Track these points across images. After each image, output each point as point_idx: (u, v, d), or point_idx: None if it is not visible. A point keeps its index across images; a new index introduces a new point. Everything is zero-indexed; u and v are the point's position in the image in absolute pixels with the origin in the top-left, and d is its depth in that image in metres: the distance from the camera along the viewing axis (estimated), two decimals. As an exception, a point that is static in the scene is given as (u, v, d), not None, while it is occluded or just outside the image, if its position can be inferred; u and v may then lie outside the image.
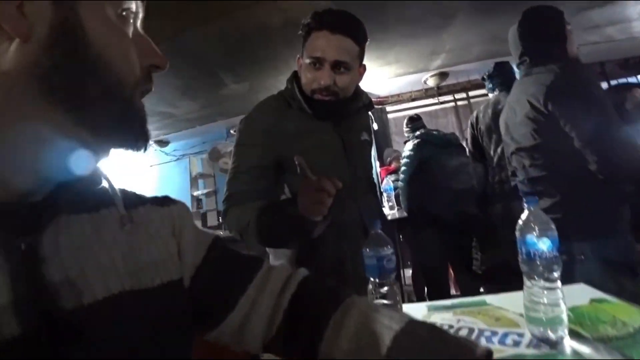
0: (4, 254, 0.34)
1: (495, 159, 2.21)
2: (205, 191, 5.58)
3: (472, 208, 2.42)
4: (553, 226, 0.68)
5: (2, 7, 0.33)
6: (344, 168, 1.09)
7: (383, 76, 3.96)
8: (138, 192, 0.55)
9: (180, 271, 0.50)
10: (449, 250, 2.53)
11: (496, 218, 2.27)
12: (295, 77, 1.12)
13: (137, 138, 0.43)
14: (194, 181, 5.68)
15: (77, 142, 0.39)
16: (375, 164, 4.20)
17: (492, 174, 2.28)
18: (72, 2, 0.36)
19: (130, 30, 0.42)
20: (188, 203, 5.41)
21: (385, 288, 0.83)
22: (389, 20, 2.63)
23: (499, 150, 2.17)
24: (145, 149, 0.44)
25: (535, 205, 0.73)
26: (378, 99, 4.63)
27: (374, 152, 1.36)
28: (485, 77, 2.36)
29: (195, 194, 5.60)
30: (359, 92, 1.16)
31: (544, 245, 0.69)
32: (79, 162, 0.41)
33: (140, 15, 0.44)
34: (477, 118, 2.34)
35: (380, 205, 1.35)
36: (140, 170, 5.95)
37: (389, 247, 0.87)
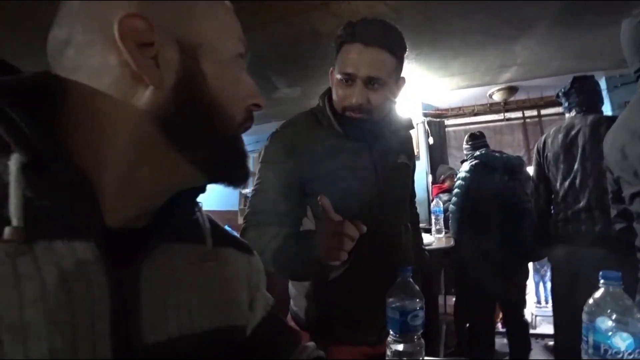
0: (109, 282, 0.36)
1: (561, 193, 1.93)
2: (253, 190, 5.66)
3: (529, 250, 2.15)
4: (640, 317, 0.51)
5: (141, 59, 0.37)
6: (374, 195, 0.99)
7: (444, 88, 3.71)
8: (225, 230, 0.57)
9: (247, 320, 0.54)
10: (499, 290, 2.27)
11: (558, 262, 1.98)
12: (328, 92, 1.04)
13: (239, 174, 0.46)
14: (244, 179, 5.80)
15: (185, 177, 0.43)
16: (428, 179, 3.99)
17: (556, 210, 2.00)
18: (196, 51, 0.39)
19: (243, 73, 0.45)
20: (236, 199, 5.64)
21: (406, 346, 0.72)
22: (455, 28, 2.42)
23: (567, 183, 1.90)
24: (246, 186, 0.48)
25: (618, 286, 0.55)
26: (437, 111, 4.36)
27: (423, 175, 1.22)
28: (560, 94, 2.07)
29: (244, 191, 5.70)
30: (397, 110, 1.09)
31: (622, 342, 0.52)
32: (183, 195, 0.45)
33: (247, 56, 0.46)
34: (544, 143, 2.07)
35: (419, 238, 1.19)
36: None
37: (418, 300, 0.75)
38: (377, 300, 0.85)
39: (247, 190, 5.82)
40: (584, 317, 0.61)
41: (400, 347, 0.71)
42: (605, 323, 0.57)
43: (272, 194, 0.96)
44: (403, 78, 1.02)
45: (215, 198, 6.11)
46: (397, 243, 1.03)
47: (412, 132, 1.19)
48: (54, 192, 0.35)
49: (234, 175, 0.46)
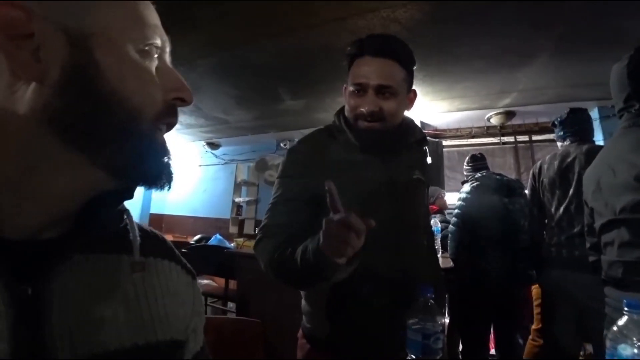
0: (8, 299, 0.32)
1: (556, 218, 1.96)
2: (247, 199, 5.61)
3: (526, 271, 2.17)
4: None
5: (15, 53, 0.33)
6: (387, 209, 0.96)
7: (443, 109, 3.78)
8: (169, 244, 0.54)
9: (186, 337, 0.50)
10: (494, 311, 2.27)
11: (550, 285, 2.00)
12: (342, 110, 1.06)
13: (159, 175, 0.41)
14: (237, 187, 5.75)
15: (92, 180, 0.38)
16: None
17: (549, 234, 2.03)
18: (88, 42, 0.35)
19: (154, 65, 0.41)
20: (229, 207, 5.60)
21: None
22: (462, 53, 2.49)
23: (561, 209, 1.93)
24: (170, 188, 0.42)
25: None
26: (434, 131, 4.43)
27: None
28: (556, 123, 2.13)
29: (237, 200, 5.67)
30: (411, 125, 1.09)
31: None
32: (99, 200, 0.40)
33: (167, 49, 0.44)
34: (540, 169, 2.11)
35: (435, 257, 1.18)
36: (188, 169, 6.19)
37: (439, 322, 0.74)
38: (394, 318, 0.84)
39: (240, 199, 5.78)
40: (608, 343, 0.61)
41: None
42: (628, 350, 0.57)
43: (286, 209, 0.96)
44: (414, 90, 1.04)
45: (206, 206, 6.07)
46: (415, 259, 1.01)
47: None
48: None
49: (152, 176, 0.41)
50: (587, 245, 1.43)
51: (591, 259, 1.40)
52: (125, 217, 0.47)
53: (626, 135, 1.16)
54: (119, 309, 0.41)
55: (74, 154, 0.36)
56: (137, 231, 0.47)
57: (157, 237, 0.53)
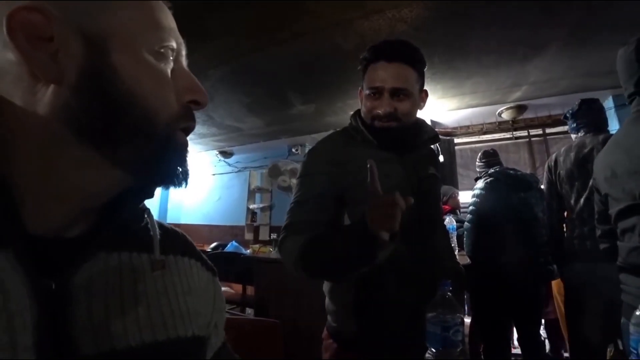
0: (33, 292, 0.33)
1: (576, 210, 1.92)
2: (261, 205, 5.66)
3: (547, 266, 2.13)
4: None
5: (35, 56, 0.34)
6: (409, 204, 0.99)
7: (453, 106, 3.76)
8: (189, 241, 0.55)
9: (208, 334, 0.51)
10: (515, 308, 2.23)
11: (574, 279, 1.95)
12: (358, 112, 1.11)
13: (174, 175, 0.42)
14: (251, 194, 5.79)
15: (115, 179, 0.39)
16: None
17: (571, 226, 1.98)
18: (105, 44, 0.36)
19: (169, 67, 0.42)
20: (243, 214, 5.64)
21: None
22: (471, 49, 2.47)
23: (582, 200, 1.89)
24: (186, 184, 0.43)
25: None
26: (445, 130, 4.39)
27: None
28: (568, 115, 2.10)
29: (251, 206, 5.72)
30: (424, 124, 1.14)
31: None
32: (121, 199, 0.42)
33: (183, 52, 0.44)
34: (556, 162, 2.07)
35: (452, 252, 1.19)
36: (202, 177, 6.28)
37: (458, 315, 0.74)
38: (420, 313, 0.84)
39: (254, 206, 5.80)
40: (632, 328, 0.60)
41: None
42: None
43: (311, 206, 0.99)
44: (425, 91, 1.09)
45: (221, 213, 6.13)
46: (437, 254, 1.03)
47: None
48: None
49: (168, 176, 0.42)
50: (598, 232, 1.41)
51: (602, 246, 1.39)
52: (145, 215, 0.48)
53: (637, 120, 1.14)
54: (140, 305, 0.42)
55: (93, 154, 0.37)
56: (157, 229, 0.48)
57: (177, 234, 0.54)
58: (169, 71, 0.41)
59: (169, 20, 0.43)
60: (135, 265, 0.43)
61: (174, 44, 0.42)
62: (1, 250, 0.32)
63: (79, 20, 0.36)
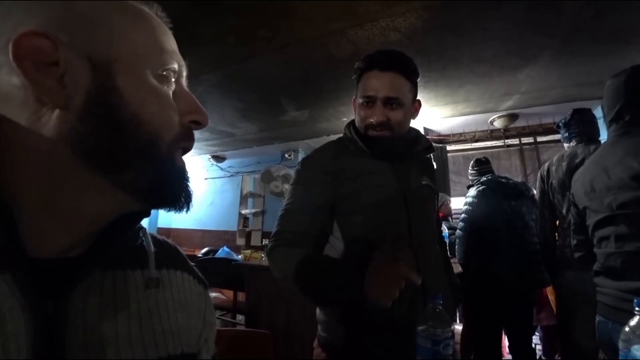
0: (30, 315, 0.33)
1: (567, 219, 1.93)
2: (253, 210, 5.63)
3: (539, 274, 2.14)
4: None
5: (41, 81, 0.34)
6: (402, 213, 1.01)
7: (446, 114, 3.78)
8: (182, 254, 0.55)
9: (198, 350, 0.51)
10: (507, 315, 2.23)
11: (566, 287, 1.97)
12: (352, 122, 1.12)
13: (177, 197, 0.42)
14: (243, 199, 5.77)
15: (120, 202, 0.40)
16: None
17: (562, 236, 2.00)
18: (110, 68, 0.37)
19: (172, 89, 0.42)
20: (235, 220, 5.60)
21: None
22: (464, 58, 2.50)
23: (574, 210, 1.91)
24: (188, 209, 0.43)
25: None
26: (438, 137, 4.42)
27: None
28: (560, 124, 2.13)
29: (243, 212, 5.69)
30: (418, 135, 1.15)
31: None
32: (121, 220, 0.42)
33: (184, 73, 0.45)
34: (548, 171, 2.09)
35: (449, 264, 1.18)
36: (194, 182, 6.23)
37: (449, 329, 0.73)
38: (410, 325, 0.84)
39: (247, 211, 5.77)
40: (621, 344, 0.60)
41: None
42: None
43: (301, 214, 1.00)
44: (419, 101, 1.10)
45: (213, 218, 6.09)
46: (430, 266, 1.02)
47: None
48: None
49: (171, 198, 0.42)
50: (574, 242, 1.55)
51: (577, 254, 1.56)
52: (141, 234, 0.48)
53: (619, 142, 1.24)
54: (133, 324, 0.42)
55: (99, 177, 0.37)
56: (152, 247, 0.48)
57: (170, 248, 0.54)
58: (170, 93, 0.42)
59: (171, 43, 0.43)
60: (129, 284, 0.44)
61: (175, 66, 0.43)
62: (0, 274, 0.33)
63: (85, 44, 0.36)
